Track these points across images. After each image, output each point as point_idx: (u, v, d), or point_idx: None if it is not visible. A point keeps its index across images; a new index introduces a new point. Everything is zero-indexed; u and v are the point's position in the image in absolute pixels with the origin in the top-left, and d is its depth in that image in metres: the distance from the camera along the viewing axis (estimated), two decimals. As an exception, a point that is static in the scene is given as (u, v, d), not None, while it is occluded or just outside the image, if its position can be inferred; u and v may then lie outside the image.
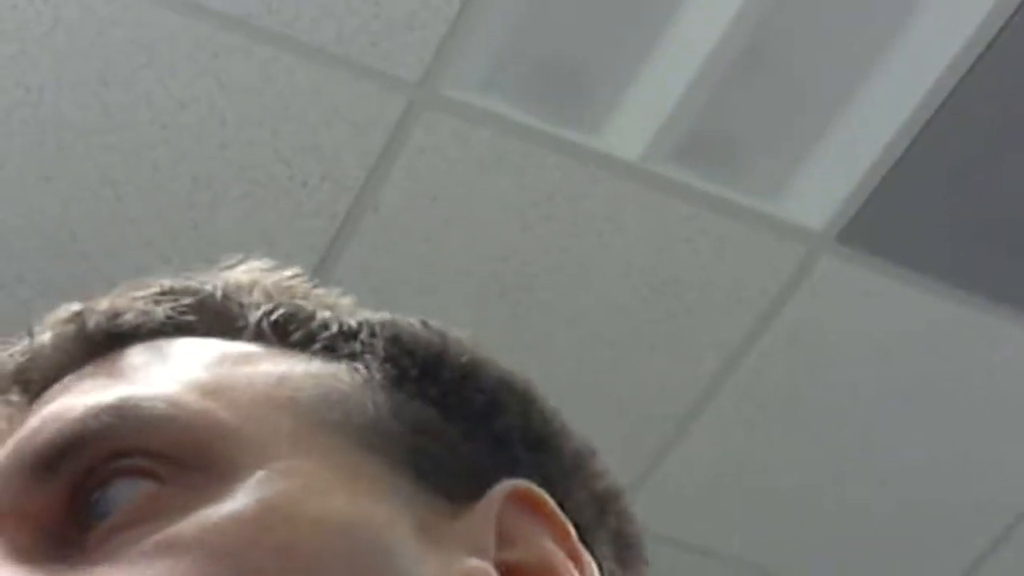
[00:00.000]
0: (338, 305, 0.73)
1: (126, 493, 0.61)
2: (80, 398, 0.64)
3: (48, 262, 2.52)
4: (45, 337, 0.70)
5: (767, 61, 2.29)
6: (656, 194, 2.43)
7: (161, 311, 0.70)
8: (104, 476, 0.61)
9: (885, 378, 2.69)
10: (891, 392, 2.71)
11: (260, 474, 0.61)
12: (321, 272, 2.51)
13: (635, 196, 2.43)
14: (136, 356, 0.67)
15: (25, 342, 0.71)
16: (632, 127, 2.36)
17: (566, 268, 2.53)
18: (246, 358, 0.67)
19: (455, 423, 0.67)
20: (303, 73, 2.30)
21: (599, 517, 0.70)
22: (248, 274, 0.74)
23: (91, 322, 0.69)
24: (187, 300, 0.71)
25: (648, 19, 2.25)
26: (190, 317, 0.70)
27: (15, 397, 0.69)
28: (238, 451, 0.62)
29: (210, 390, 0.64)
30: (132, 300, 0.71)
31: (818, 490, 2.83)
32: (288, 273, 0.74)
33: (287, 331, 0.69)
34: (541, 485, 0.66)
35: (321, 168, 2.40)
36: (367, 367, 0.68)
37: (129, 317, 0.69)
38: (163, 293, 0.71)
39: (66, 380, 0.67)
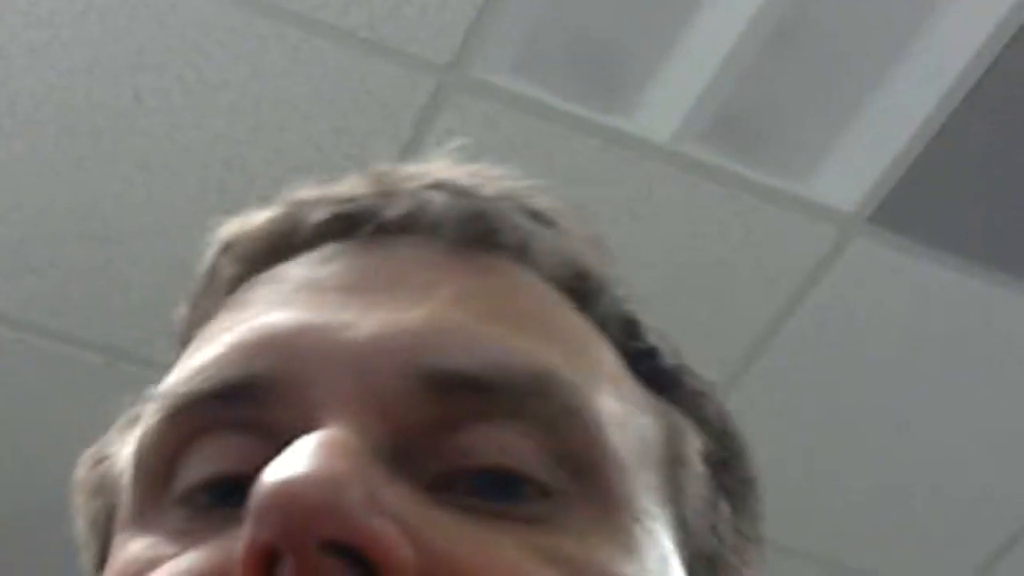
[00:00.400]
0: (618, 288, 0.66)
1: (520, 487, 0.55)
2: (505, 332, 0.57)
3: (81, 247, 2.53)
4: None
5: (797, 43, 2.28)
6: (687, 176, 2.43)
7: (448, 207, 0.63)
8: (496, 446, 0.55)
9: (917, 359, 2.68)
10: (923, 373, 2.70)
11: (623, 518, 0.56)
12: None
13: (666, 178, 2.43)
14: (520, 287, 0.61)
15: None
16: (663, 109, 2.36)
17: (597, 250, 2.52)
18: (591, 343, 0.61)
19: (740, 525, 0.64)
20: (333, 56, 2.31)
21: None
22: (548, 203, 0.67)
23: (378, 191, 0.63)
24: (480, 204, 0.64)
25: (678, 3, 2.25)
26: (485, 224, 0.63)
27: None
28: (615, 479, 0.57)
29: (595, 396, 0.58)
30: (411, 187, 0.64)
31: (849, 473, 2.83)
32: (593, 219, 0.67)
33: (573, 287, 0.63)
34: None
35: (352, 151, 2.40)
36: (695, 433, 0.63)
37: (407, 204, 0.63)
38: (442, 184, 0.64)
39: (375, 255, 0.61)
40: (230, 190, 2.45)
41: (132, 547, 0.57)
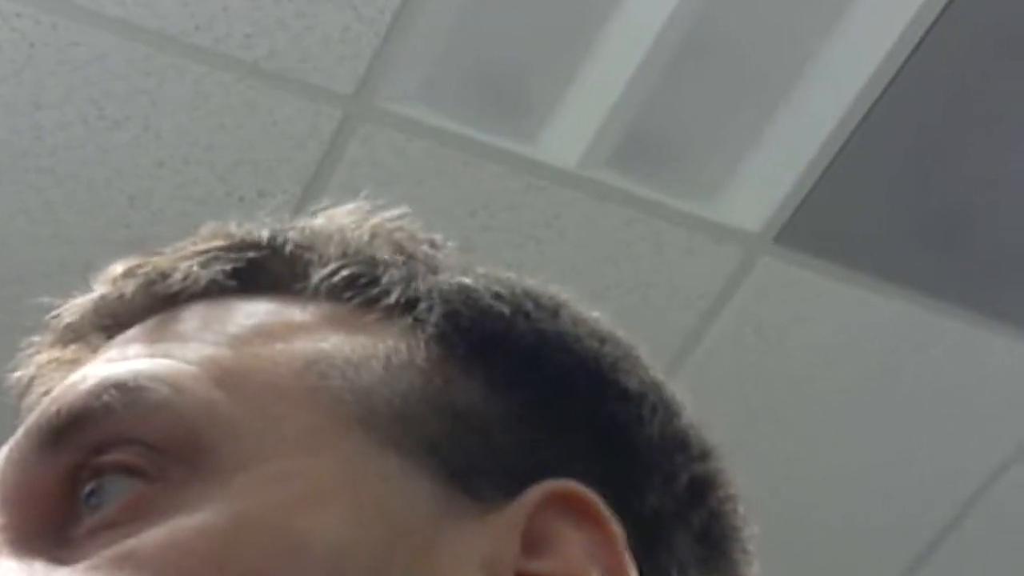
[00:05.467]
0: (434, 263, 0.67)
1: (117, 487, 0.57)
2: (103, 367, 0.61)
3: (-15, 286, 2.51)
4: (111, 288, 0.68)
5: (700, 66, 2.29)
6: (594, 201, 2.44)
7: (212, 271, 0.65)
8: (99, 466, 0.58)
9: (828, 377, 2.70)
10: (833, 392, 2.72)
11: (245, 478, 0.56)
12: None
13: (573, 203, 2.43)
14: (185, 319, 0.63)
15: (92, 294, 0.69)
16: (568, 135, 2.36)
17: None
18: (286, 329, 0.62)
19: (500, 412, 0.60)
20: (237, 89, 2.30)
21: (683, 512, 0.64)
22: (344, 218, 0.71)
23: (147, 279, 0.67)
24: (251, 254, 0.67)
25: (580, 29, 2.26)
26: (251, 274, 0.66)
27: (94, 339, 0.67)
28: (229, 448, 0.57)
29: (227, 373, 0.59)
30: (190, 256, 0.67)
31: (761, 492, 2.84)
32: (395, 217, 0.70)
33: (348, 294, 0.64)
34: (603, 479, 0.60)
35: (258, 183, 2.39)
36: (415, 343, 0.62)
37: (177, 278, 0.66)
38: (226, 248, 0.67)
39: (129, 332, 0.64)
40: (135, 225, 2.43)
41: None
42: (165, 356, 0.61)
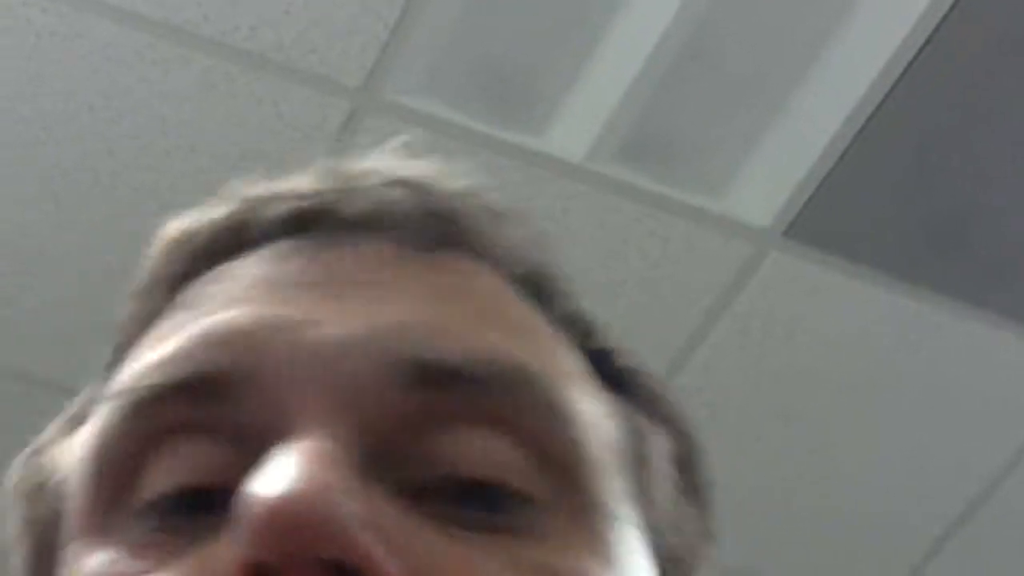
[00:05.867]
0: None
1: (503, 498, 0.53)
2: (481, 329, 0.55)
3: (-9, 276, 2.51)
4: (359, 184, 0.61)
5: (708, 59, 2.29)
6: (601, 195, 2.43)
7: (416, 211, 0.60)
8: (467, 437, 0.53)
9: (835, 373, 2.70)
10: (841, 387, 2.72)
11: (615, 536, 0.54)
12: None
13: (580, 197, 2.43)
14: (486, 286, 0.59)
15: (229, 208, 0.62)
16: (575, 128, 2.36)
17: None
18: (558, 343, 0.59)
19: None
20: (243, 80, 2.29)
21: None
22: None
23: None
24: (455, 204, 0.62)
25: (588, 21, 2.25)
26: (448, 229, 0.60)
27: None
28: (597, 487, 0.55)
29: (576, 400, 0.56)
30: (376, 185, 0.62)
31: (769, 489, 2.84)
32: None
33: (536, 293, 0.61)
34: None
35: (264, 175, 2.38)
36: (657, 434, 0.61)
37: (362, 207, 0.60)
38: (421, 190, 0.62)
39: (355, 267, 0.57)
40: (141, 216, 2.43)
41: (91, 561, 0.53)
42: (506, 342, 0.56)
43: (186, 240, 0.62)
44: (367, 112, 2.33)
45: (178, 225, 0.63)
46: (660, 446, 0.61)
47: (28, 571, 0.60)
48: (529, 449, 0.53)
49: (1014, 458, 2.82)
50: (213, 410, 0.53)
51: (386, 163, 0.65)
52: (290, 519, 0.47)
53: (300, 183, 0.63)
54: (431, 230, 0.60)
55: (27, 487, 0.61)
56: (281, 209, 0.61)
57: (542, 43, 2.27)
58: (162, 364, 0.54)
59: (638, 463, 0.59)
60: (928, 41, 2.25)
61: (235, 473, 0.50)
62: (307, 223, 0.60)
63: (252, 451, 0.50)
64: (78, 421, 0.60)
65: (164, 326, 0.58)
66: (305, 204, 0.61)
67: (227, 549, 0.49)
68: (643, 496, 0.58)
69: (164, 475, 0.53)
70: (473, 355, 0.54)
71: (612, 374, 0.61)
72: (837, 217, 2.47)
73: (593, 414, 0.57)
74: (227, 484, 0.51)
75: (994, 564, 2.99)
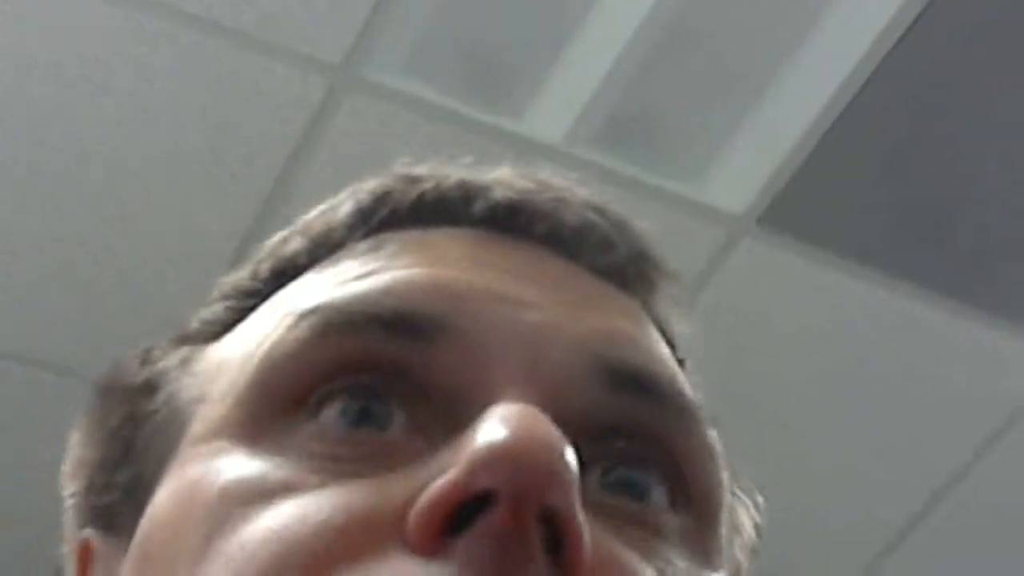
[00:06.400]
0: None
1: (659, 495, 0.55)
2: (664, 356, 0.58)
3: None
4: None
5: (687, 45, 2.30)
6: (578, 177, 2.43)
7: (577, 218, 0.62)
8: (642, 452, 0.55)
9: (805, 362, 2.71)
10: (810, 376, 2.73)
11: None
12: (242, 256, 2.50)
13: (558, 179, 2.43)
14: (656, 334, 0.60)
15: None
16: (554, 111, 2.37)
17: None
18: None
19: None
20: (225, 56, 2.29)
21: None
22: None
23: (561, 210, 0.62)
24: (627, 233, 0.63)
25: (568, 5, 2.26)
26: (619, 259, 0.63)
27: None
28: (722, 542, 0.57)
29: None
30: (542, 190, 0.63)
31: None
32: None
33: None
34: None
35: (245, 151, 2.39)
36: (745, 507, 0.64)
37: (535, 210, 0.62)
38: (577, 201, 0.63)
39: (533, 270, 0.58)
40: (123, 192, 2.43)
41: (249, 464, 0.52)
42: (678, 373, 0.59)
43: (395, 196, 0.62)
44: (346, 90, 2.33)
45: (390, 181, 0.63)
46: (749, 518, 0.64)
47: (108, 467, 0.59)
48: (680, 476, 0.56)
49: (982, 450, 2.84)
50: (410, 350, 0.53)
51: (579, 187, 0.66)
52: (530, 456, 0.47)
53: (509, 178, 0.65)
54: (625, 269, 0.63)
55: (137, 384, 0.60)
56: (492, 198, 0.62)
57: (522, 25, 2.28)
58: (366, 297, 0.55)
59: (732, 528, 0.61)
60: (906, 32, 2.26)
61: (419, 419, 0.52)
62: (511, 219, 0.61)
63: (441, 400, 0.51)
64: (190, 339, 0.61)
65: (352, 265, 0.58)
66: (515, 200, 0.62)
67: (416, 476, 0.49)
68: (732, 562, 0.61)
69: (340, 400, 0.53)
70: (665, 372, 0.57)
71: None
72: (812, 206, 2.48)
73: (724, 471, 0.59)
74: (406, 433, 0.52)
75: (958, 556, 3.01)
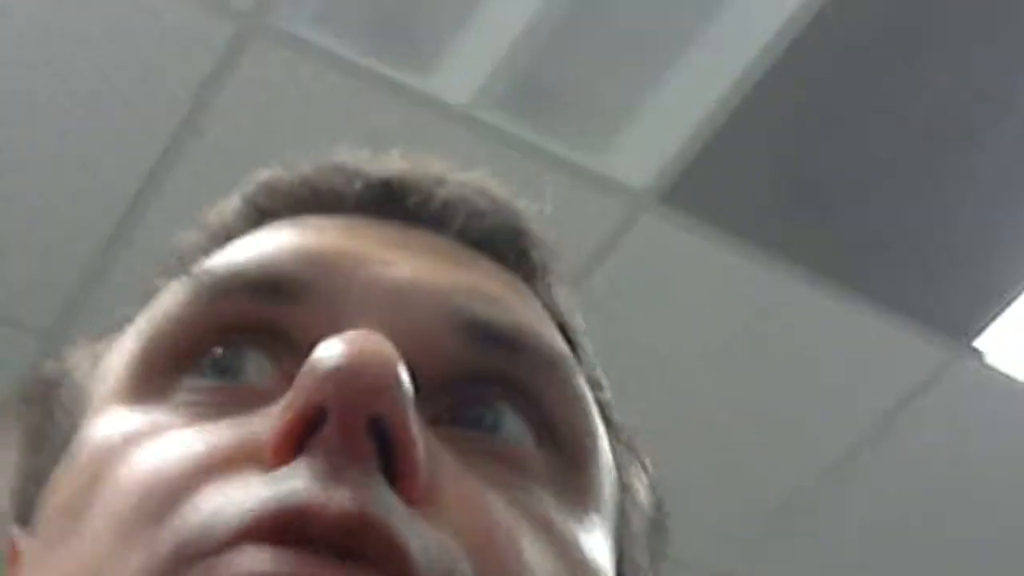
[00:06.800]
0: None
1: (514, 428, 0.56)
2: (534, 318, 0.60)
3: None
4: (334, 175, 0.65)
5: (597, 17, 2.29)
6: (482, 141, 2.43)
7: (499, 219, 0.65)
8: (499, 393, 0.57)
9: (698, 339, 2.72)
10: (703, 353, 2.74)
11: (596, 521, 0.58)
12: (143, 195, 2.48)
13: (461, 141, 2.43)
14: (532, 298, 0.63)
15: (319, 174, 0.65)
16: (462, 72, 2.35)
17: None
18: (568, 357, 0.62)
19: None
20: (132, -7, 2.27)
21: None
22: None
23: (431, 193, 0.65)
24: (503, 210, 0.67)
25: (486, -35, 2.24)
26: (502, 237, 0.65)
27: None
28: (598, 486, 0.59)
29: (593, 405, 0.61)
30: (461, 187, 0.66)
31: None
32: None
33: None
34: None
35: (147, 90, 2.36)
36: (640, 472, 0.66)
37: (437, 203, 0.64)
38: (484, 195, 0.67)
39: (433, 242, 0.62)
40: (20, 123, 2.40)
41: (126, 418, 0.55)
42: (540, 325, 0.60)
43: (277, 186, 0.65)
44: (253, 37, 2.31)
45: (273, 172, 0.66)
46: (643, 482, 0.66)
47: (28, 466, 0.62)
48: (546, 416, 0.57)
49: (865, 434, 2.87)
50: (276, 310, 0.56)
51: (464, 171, 0.69)
52: (357, 367, 0.49)
53: (390, 160, 0.67)
54: (502, 240, 0.65)
55: (48, 380, 0.64)
56: (369, 177, 0.65)
57: (436, -16, 2.26)
58: (237, 263, 0.58)
59: (623, 488, 0.63)
60: (815, 18, 2.27)
61: (286, 369, 0.54)
62: (386, 198, 0.64)
63: (306, 352, 0.51)
64: (100, 337, 0.63)
65: (235, 246, 0.61)
66: (390, 178, 0.65)
67: (271, 416, 0.51)
68: (620, 519, 0.62)
69: (213, 356, 0.56)
70: (524, 327, 0.58)
71: (604, 409, 0.65)
72: (714, 186, 2.49)
73: (599, 423, 0.61)
74: (273, 381, 0.54)
75: (836, 541, 3.04)
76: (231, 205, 0.65)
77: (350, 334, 0.50)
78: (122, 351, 0.60)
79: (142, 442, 0.53)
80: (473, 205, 0.65)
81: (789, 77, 2.33)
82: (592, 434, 0.59)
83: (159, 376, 0.56)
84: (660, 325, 2.69)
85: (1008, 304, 2.64)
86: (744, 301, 2.66)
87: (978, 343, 2.71)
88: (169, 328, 0.57)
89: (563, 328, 0.64)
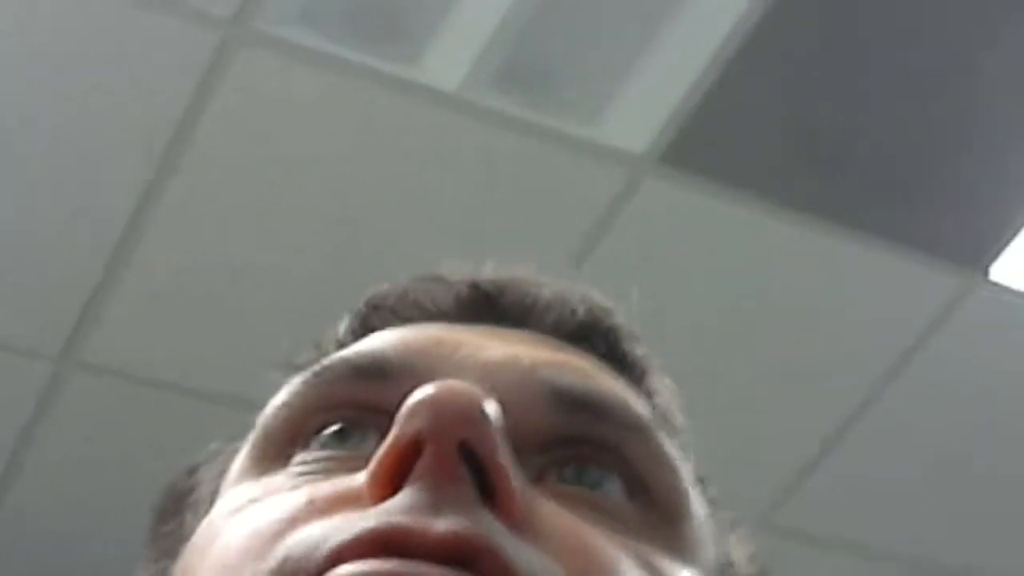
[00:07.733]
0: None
1: (608, 484, 0.59)
2: (616, 388, 0.64)
3: None
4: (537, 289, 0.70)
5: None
6: (477, 124, 2.43)
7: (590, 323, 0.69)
8: (590, 454, 0.60)
9: (713, 297, 2.72)
10: (719, 310, 2.74)
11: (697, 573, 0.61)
12: (141, 211, 2.48)
13: (456, 126, 2.42)
14: (591, 363, 0.66)
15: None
16: (450, 57, 2.35)
17: (389, 200, 2.51)
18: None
19: None
20: (114, 11, 2.26)
21: None
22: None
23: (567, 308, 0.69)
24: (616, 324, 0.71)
25: (462, -53, 2.24)
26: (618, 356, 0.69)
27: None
28: (691, 532, 0.62)
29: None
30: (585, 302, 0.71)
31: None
32: None
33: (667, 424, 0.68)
34: None
35: (140, 105, 2.36)
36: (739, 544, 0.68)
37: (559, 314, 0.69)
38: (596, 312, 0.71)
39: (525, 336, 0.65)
40: (17, 144, 2.40)
41: (246, 489, 0.60)
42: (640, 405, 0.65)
43: (381, 303, 0.70)
44: (238, 44, 2.30)
45: (376, 290, 0.71)
46: (743, 553, 0.69)
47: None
48: (638, 480, 0.61)
49: (887, 376, 2.87)
50: (381, 389, 0.61)
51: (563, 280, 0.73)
52: (444, 400, 0.53)
53: (484, 271, 0.72)
54: (598, 337, 0.70)
55: (179, 491, 0.69)
56: (468, 288, 0.70)
57: (415, -29, 2.26)
58: (345, 355, 0.64)
59: (725, 564, 0.66)
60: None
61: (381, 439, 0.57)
62: (489, 304, 0.69)
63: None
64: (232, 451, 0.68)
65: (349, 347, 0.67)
66: (490, 287, 0.70)
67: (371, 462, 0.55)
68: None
69: (324, 430, 0.61)
70: (608, 394, 0.62)
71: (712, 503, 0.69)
72: (714, 142, 2.49)
73: (690, 484, 0.64)
74: (376, 449, 0.57)
75: (862, 489, 3.04)
76: (341, 324, 0.70)
77: (439, 380, 0.54)
78: (249, 442, 0.64)
79: (254, 503, 0.58)
80: (565, 303, 0.70)
81: (782, 24, 2.32)
82: (684, 492, 0.62)
83: (275, 454, 0.62)
84: (673, 287, 2.69)
85: (1020, 229, 2.63)
86: (755, 254, 2.65)
87: (993, 270, 2.70)
88: (284, 413, 0.62)
89: (662, 417, 0.68)
